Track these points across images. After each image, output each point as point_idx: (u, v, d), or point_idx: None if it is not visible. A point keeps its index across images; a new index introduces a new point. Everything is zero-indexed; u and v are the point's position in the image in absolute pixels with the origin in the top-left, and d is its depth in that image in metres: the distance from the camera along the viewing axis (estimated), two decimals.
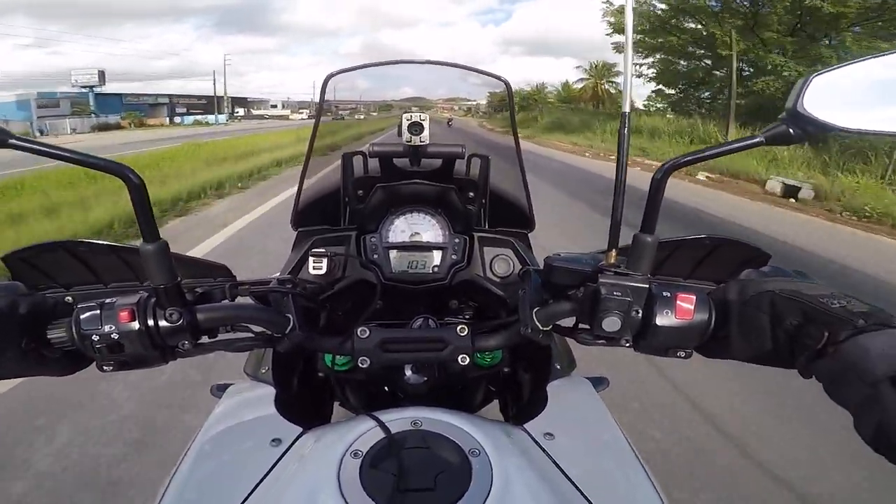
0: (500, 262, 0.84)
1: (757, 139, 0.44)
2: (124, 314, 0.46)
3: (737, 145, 0.45)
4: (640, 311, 0.47)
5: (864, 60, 0.44)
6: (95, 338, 0.45)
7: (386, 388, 0.81)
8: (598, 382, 0.69)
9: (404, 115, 0.71)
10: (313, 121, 0.82)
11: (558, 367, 0.69)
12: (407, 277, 0.81)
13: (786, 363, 0.44)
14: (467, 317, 0.86)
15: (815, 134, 0.43)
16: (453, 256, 0.82)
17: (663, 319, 0.47)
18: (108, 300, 0.47)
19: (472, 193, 0.84)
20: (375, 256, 0.81)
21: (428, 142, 0.72)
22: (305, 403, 0.76)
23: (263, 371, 0.67)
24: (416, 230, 0.83)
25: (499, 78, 0.81)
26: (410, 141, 0.72)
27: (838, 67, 0.44)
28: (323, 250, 0.78)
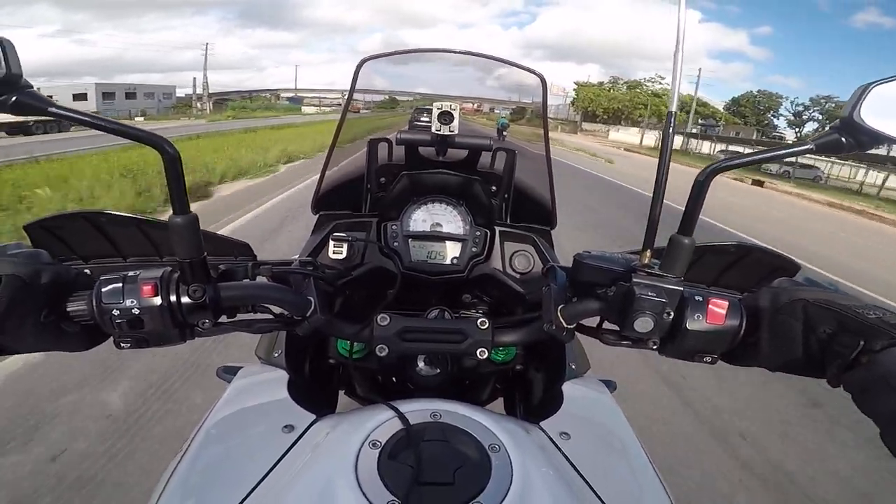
0: (520, 258, 0.83)
1: (807, 146, 0.43)
2: (147, 288, 0.45)
3: (785, 151, 0.44)
4: (672, 314, 0.46)
5: None
6: (116, 312, 0.44)
7: (395, 379, 0.80)
8: (608, 384, 0.69)
9: (435, 104, 0.70)
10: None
11: (573, 367, 0.68)
12: (425, 267, 0.80)
13: (816, 372, 0.44)
14: (482, 311, 0.85)
15: (868, 144, 0.42)
16: (473, 249, 0.81)
17: (694, 324, 0.46)
18: (130, 273, 0.46)
19: (495, 187, 0.83)
20: (395, 244, 0.81)
21: (457, 132, 0.71)
22: (314, 390, 0.76)
23: (276, 355, 0.66)
24: (437, 220, 0.83)
25: (533, 72, 0.80)
26: (440, 130, 0.71)
27: None
28: (344, 235, 0.78)
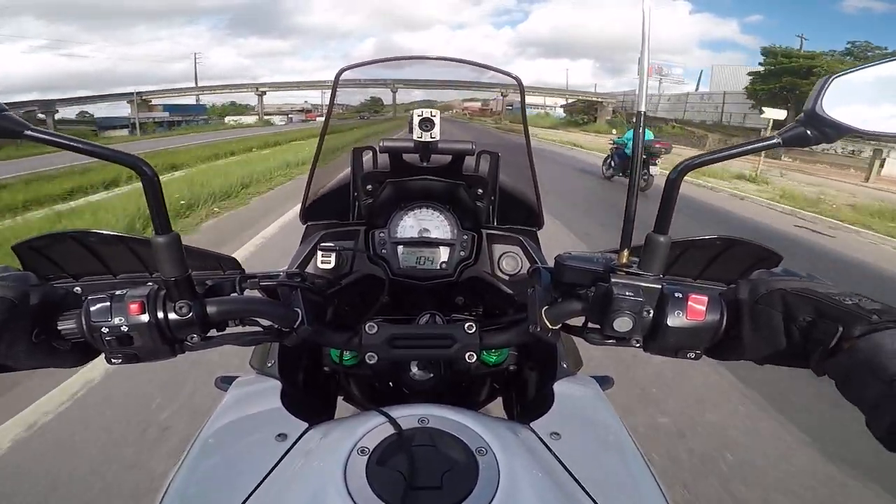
0: (508, 260, 0.83)
1: (774, 140, 0.44)
2: (134, 306, 0.45)
3: (753, 146, 0.45)
4: (652, 312, 0.46)
5: (885, 62, 0.43)
6: (105, 330, 0.45)
7: (391, 384, 0.81)
8: (603, 382, 0.69)
9: (415, 111, 0.71)
10: None
11: (565, 366, 0.69)
12: (414, 273, 0.81)
13: (799, 362, 0.44)
14: (474, 314, 0.86)
15: (834, 136, 0.42)
16: (461, 253, 0.82)
17: (674, 320, 0.46)
18: (118, 292, 0.46)
19: (481, 190, 0.84)
20: (383, 252, 0.81)
21: (438, 138, 0.72)
22: (310, 398, 0.76)
23: (269, 365, 0.67)
24: (425, 226, 0.83)
25: (510, 75, 0.80)
26: (421, 137, 0.71)
27: (859, 69, 0.43)
28: (331, 244, 0.78)
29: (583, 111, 40.57)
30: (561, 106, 49.82)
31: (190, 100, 49.76)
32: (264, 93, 51.96)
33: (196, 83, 50.71)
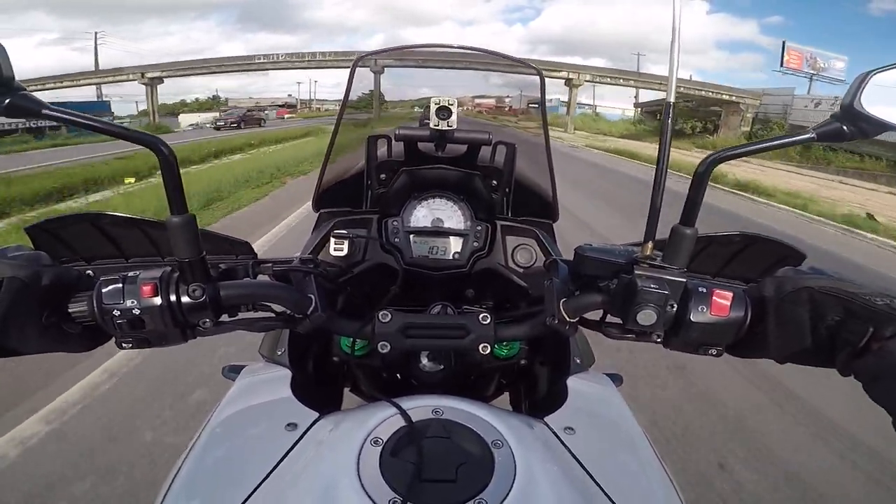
0: (522, 252, 0.82)
1: (808, 135, 0.43)
2: (147, 288, 0.45)
3: (786, 140, 0.44)
4: (675, 306, 0.46)
5: None
6: (116, 312, 0.44)
7: (400, 376, 0.80)
8: (613, 379, 0.68)
9: (432, 99, 0.70)
10: None
11: (578, 361, 0.68)
12: (427, 263, 0.80)
13: (824, 362, 0.43)
14: (485, 306, 0.85)
15: (871, 132, 0.41)
16: (474, 244, 0.81)
17: (698, 315, 0.46)
18: (130, 274, 0.46)
19: (496, 181, 0.83)
20: (396, 240, 0.81)
21: (455, 127, 0.71)
22: (318, 388, 0.76)
23: (279, 353, 0.66)
24: (438, 216, 0.83)
25: (531, 66, 0.79)
26: (438, 125, 0.70)
27: None
28: (345, 232, 0.78)
29: (690, 114, 25.00)
30: (637, 105, 34.21)
31: (88, 94, 31.15)
32: (159, 80, 31.26)
33: (97, 68, 32.79)
